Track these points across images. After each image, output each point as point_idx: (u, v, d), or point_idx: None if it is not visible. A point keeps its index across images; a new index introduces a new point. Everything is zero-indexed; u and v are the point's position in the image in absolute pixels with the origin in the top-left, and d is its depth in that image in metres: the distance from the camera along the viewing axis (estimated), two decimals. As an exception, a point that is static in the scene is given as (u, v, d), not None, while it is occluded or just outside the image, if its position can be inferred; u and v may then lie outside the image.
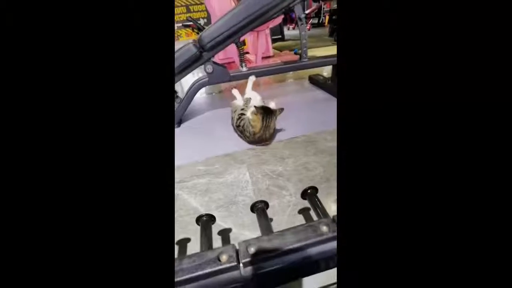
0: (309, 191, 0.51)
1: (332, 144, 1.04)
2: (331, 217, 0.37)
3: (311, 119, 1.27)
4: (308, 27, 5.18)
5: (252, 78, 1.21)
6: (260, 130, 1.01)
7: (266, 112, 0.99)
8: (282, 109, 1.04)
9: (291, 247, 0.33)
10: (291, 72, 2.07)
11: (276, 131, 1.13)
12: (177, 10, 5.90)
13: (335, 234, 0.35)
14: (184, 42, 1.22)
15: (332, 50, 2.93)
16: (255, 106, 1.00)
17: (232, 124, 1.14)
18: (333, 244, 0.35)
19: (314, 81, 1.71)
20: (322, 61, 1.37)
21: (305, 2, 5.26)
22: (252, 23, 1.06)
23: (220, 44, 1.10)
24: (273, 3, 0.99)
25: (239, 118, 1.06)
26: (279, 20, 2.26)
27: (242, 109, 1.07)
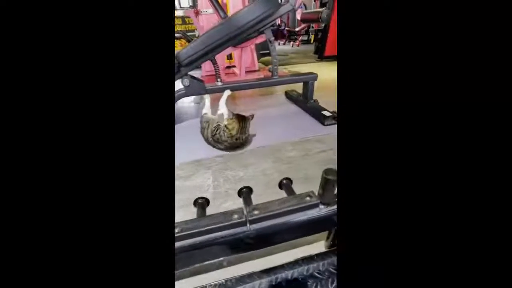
0: (284, 181, 0.63)
1: (292, 153, 1.15)
2: (310, 192, 0.50)
3: (279, 130, 1.39)
4: (297, 43, 5.45)
5: (227, 92, 1.33)
6: (238, 132, 1.12)
7: (240, 117, 1.13)
8: (252, 115, 1.18)
9: (285, 210, 0.47)
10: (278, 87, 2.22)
11: (249, 142, 1.24)
12: (172, 22, 6.13)
13: (317, 202, 0.48)
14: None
15: (311, 67, 3.13)
16: (232, 113, 1.14)
17: (205, 135, 1.24)
18: (316, 211, 0.48)
19: (289, 96, 1.85)
20: (291, 79, 1.51)
21: (295, 22, 5.55)
22: (224, 44, 1.20)
23: (195, 61, 1.23)
24: (241, 29, 1.13)
25: (215, 129, 1.16)
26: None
27: (218, 122, 1.17)
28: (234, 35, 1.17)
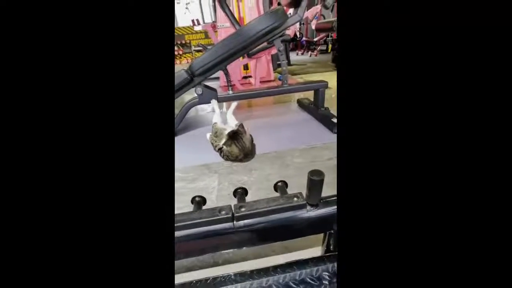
0: (279, 184, 0.64)
1: (298, 160, 1.15)
2: (297, 193, 0.51)
3: (288, 137, 1.40)
4: (315, 53, 5.47)
5: (234, 103, 1.39)
6: (240, 153, 1.16)
7: (233, 138, 1.14)
8: (241, 124, 1.20)
9: (271, 208, 0.48)
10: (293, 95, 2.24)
11: (254, 146, 1.27)
12: (196, 36, 6.55)
13: (304, 202, 0.49)
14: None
15: (327, 76, 3.11)
16: (225, 140, 1.16)
17: (214, 148, 1.26)
18: (302, 212, 0.49)
19: (301, 103, 1.86)
20: (300, 87, 1.52)
21: (314, 32, 5.59)
22: (235, 54, 1.26)
23: (208, 71, 1.31)
24: (250, 40, 1.19)
25: (220, 152, 1.20)
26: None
27: (216, 146, 1.20)
28: (244, 46, 1.23)
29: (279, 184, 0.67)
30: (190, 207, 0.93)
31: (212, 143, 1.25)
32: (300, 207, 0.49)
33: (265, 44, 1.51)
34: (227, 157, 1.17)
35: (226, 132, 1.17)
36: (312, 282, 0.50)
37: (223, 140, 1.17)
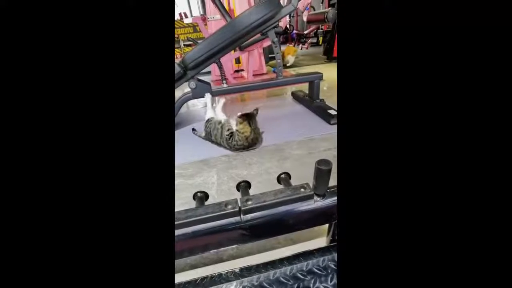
0: (283, 176, 0.63)
1: (296, 152, 1.15)
2: (304, 184, 0.50)
3: (284, 130, 1.39)
4: (306, 46, 5.44)
5: (222, 100, 1.37)
6: (251, 133, 1.15)
7: (248, 117, 1.15)
8: (257, 109, 1.21)
9: (278, 200, 0.47)
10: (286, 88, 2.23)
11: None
12: (184, 30, 6.37)
13: (312, 193, 0.48)
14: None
15: (320, 68, 3.11)
16: (237, 117, 1.16)
17: (218, 140, 1.23)
18: (309, 202, 0.49)
19: (296, 96, 1.85)
20: (296, 79, 1.51)
21: (304, 25, 5.55)
22: (228, 47, 1.23)
23: (201, 64, 1.27)
24: (243, 31, 1.16)
25: (229, 136, 1.17)
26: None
27: (228, 129, 1.18)
28: (237, 37, 1.19)
29: (283, 176, 0.66)
30: (191, 204, 0.91)
31: (215, 135, 1.23)
32: (308, 197, 0.49)
33: (258, 36, 1.48)
34: (236, 142, 1.15)
35: (234, 121, 1.17)
36: (319, 272, 0.50)
37: (233, 126, 1.16)
